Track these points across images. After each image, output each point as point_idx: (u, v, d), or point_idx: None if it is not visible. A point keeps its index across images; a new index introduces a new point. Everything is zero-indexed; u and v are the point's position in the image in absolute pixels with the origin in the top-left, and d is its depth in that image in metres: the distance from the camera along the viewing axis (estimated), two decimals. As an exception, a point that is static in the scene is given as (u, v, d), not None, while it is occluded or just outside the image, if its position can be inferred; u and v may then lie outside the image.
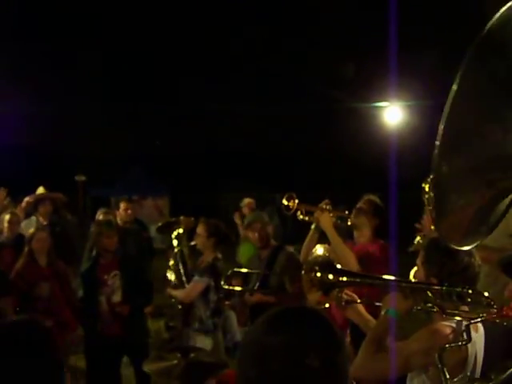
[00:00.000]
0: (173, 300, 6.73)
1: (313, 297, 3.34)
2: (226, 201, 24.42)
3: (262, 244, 6.16)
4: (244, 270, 6.29)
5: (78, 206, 18.65)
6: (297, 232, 6.51)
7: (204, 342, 6.08)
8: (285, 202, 5.60)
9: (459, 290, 2.99)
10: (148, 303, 6.86)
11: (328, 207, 5.34)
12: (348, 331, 4.88)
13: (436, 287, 3.05)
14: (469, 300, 3.01)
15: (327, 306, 3.38)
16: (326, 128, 25.00)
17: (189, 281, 6.37)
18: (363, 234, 5.28)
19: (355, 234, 5.34)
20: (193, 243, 6.53)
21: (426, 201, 4.57)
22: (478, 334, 3.11)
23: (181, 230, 6.61)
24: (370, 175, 20.22)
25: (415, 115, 17.83)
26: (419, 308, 3.13)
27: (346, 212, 5.35)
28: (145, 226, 9.95)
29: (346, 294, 3.44)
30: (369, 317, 3.44)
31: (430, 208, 4.50)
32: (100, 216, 8.61)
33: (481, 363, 3.11)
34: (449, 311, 3.03)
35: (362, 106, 20.23)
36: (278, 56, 24.87)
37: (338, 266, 3.37)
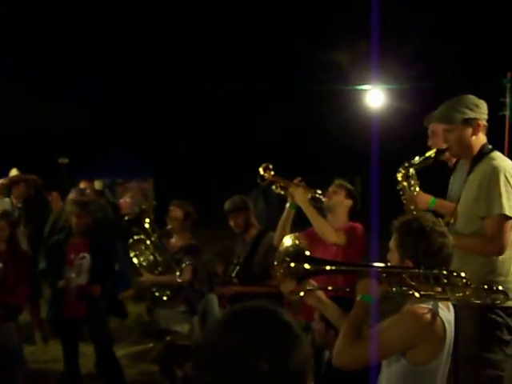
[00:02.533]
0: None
1: (286, 287, 3.34)
2: (210, 183, 24.48)
3: (241, 230, 6.13)
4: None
5: (62, 189, 18.56)
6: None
7: (182, 326, 6.09)
8: (261, 171, 5.49)
9: (437, 272, 3.02)
10: (114, 290, 6.84)
11: (302, 184, 5.32)
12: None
13: (413, 270, 3.07)
14: (445, 281, 3.05)
15: (302, 294, 3.37)
16: (309, 110, 25.03)
17: (171, 265, 6.35)
18: (337, 216, 5.24)
19: (328, 217, 5.26)
20: (168, 227, 6.49)
21: (400, 190, 4.60)
22: (451, 313, 3.16)
23: (147, 220, 6.57)
24: (351, 158, 20.31)
25: (397, 98, 17.88)
26: (394, 291, 3.13)
27: (320, 192, 5.30)
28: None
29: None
30: (328, 301, 3.44)
31: (405, 197, 4.57)
32: (72, 195, 8.56)
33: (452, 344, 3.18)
34: (424, 293, 3.05)
35: (344, 88, 20.26)
36: (262, 39, 24.86)
37: (307, 253, 3.30)
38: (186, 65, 26.34)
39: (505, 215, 3.94)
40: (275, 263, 3.31)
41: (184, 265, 6.18)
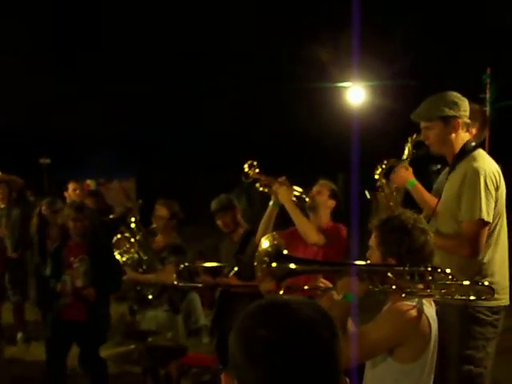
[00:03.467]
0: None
1: (265, 287, 3.31)
2: (192, 182, 24.49)
3: (229, 230, 6.10)
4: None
5: (44, 190, 18.50)
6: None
7: (169, 324, 6.08)
8: (246, 168, 5.40)
9: (422, 269, 3.01)
10: (116, 290, 6.81)
11: (286, 182, 5.23)
12: None
13: (398, 268, 3.05)
14: (429, 278, 3.04)
15: (281, 293, 3.35)
16: (290, 108, 25.07)
17: (155, 264, 6.33)
18: (320, 216, 5.22)
19: (311, 216, 5.24)
20: (153, 226, 6.46)
21: (379, 188, 4.64)
22: (433, 309, 3.16)
23: (133, 219, 6.55)
24: (332, 155, 20.33)
25: (377, 95, 17.89)
26: (377, 289, 3.11)
27: (303, 192, 5.25)
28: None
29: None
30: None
31: (382, 193, 4.62)
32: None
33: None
34: (408, 290, 3.04)
35: (325, 85, 20.25)
36: (240, 35, 24.86)
37: (286, 252, 3.27)
38: (169, 63, 26.26)
39: (482, 220, 3.96)
40: (255, 264, 3.27)
41: (163, 265, 6.17)
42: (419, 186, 4.56)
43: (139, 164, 24.83)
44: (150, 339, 5.31)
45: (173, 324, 6.15)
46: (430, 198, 4.48)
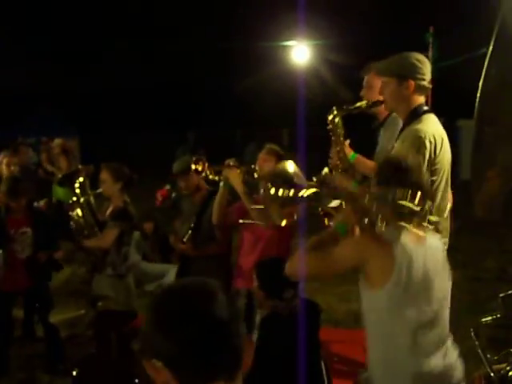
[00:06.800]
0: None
1: (275, 211, 3.55)
2: (136, 140, 24.34)
3: (190, 192, 6.09)
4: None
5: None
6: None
7: (115, 288, 6.05)
8: (193, 166, 5.44)
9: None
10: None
11: (234, 164, 5.27)
12: None
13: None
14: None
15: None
16: (235, 68, 25.04)
17: (100, 229, 6.25)
18: None
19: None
20: (99, 191, 6.33)
21: (331, 130, 4.64)
22: (425, 246, 3.08)
23: (81, 179, 6.40)
24: (277, 113, 20.39)
25: (323, 54, 17.92)
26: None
27: (252, 166, 5.24)
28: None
29: None
30: None
31: (335, 137, 4.62)
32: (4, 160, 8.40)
33: (427, 279, 3.07)
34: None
35: (269, 45, 20.17)
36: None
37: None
38: (107, 19, 25.87)
39: None
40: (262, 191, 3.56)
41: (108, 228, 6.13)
42: (360, 157, 4.68)
43: (82, 122, 24.46)
44: (100, 304, 5.30)
45: (119, 288, 6.12)
46: (374, 165, 4.50)
